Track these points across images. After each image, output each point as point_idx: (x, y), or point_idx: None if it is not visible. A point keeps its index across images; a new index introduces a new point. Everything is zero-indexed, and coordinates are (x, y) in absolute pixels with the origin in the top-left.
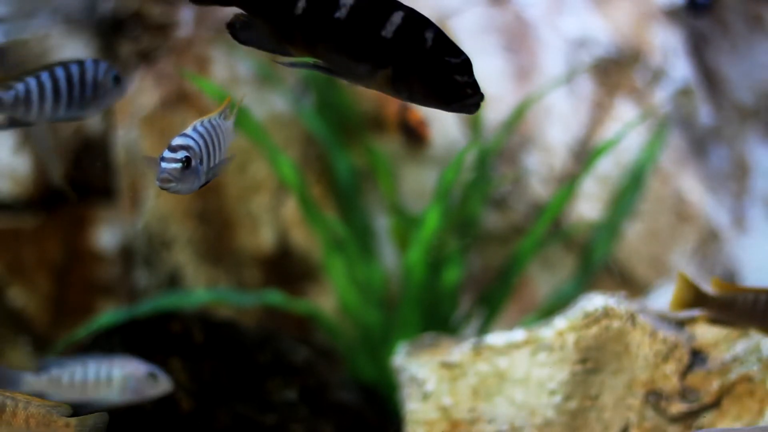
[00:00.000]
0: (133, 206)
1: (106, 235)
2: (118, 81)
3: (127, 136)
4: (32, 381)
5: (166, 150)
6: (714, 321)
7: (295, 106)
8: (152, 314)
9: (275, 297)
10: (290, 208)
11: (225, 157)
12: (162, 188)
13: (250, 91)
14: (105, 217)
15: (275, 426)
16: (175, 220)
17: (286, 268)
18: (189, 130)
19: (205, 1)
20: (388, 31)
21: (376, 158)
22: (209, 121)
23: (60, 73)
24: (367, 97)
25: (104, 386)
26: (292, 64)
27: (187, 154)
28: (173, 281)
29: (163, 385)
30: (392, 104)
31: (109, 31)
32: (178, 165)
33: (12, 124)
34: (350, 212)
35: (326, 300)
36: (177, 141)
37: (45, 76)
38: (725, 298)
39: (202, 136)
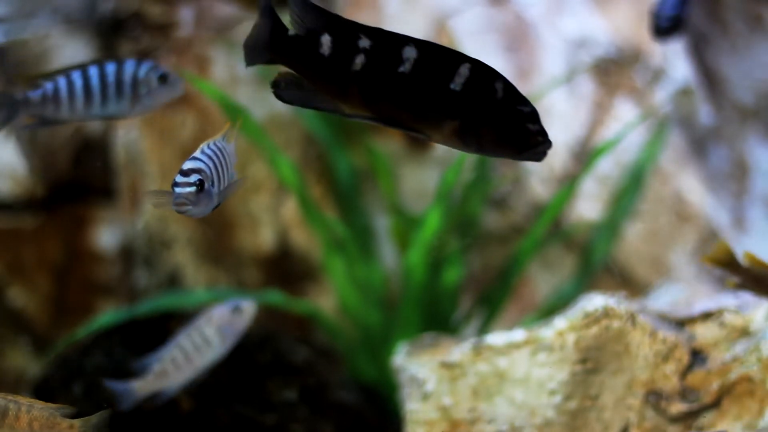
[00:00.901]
0: (133, 206)
1: (106, 235)
2: (165, 80)
3: (127, 136)
4: (143, 385)
5: (179, 175)
6: (740, 287)
7: None
8: (152, 314)
9: (275, 297)
10: (290, 208)
11: (236, 179)
12: (178, 212)
13: (250, 91)
14: (105, 217)
15: (275, 426)
16: (175, 220)
17: (286, 268)
18: (198, 154)
19: (253, 61)
20: (457, 83)
21: (376, 158)
22: (214, 144)
23: (93, 71)
24: None
25: (206, 350)
26: (351, 116)
27: (200, 177)
28: (173, 281)
29: (249, 309)
30: None
31: (109, 31)
32: (193, 189)
33: (43, 122)
34: (350, 212)
35: (326, 300)
36: (188, 165)
37: (76, 75)
38: (755, 271)
39: (210, 158)
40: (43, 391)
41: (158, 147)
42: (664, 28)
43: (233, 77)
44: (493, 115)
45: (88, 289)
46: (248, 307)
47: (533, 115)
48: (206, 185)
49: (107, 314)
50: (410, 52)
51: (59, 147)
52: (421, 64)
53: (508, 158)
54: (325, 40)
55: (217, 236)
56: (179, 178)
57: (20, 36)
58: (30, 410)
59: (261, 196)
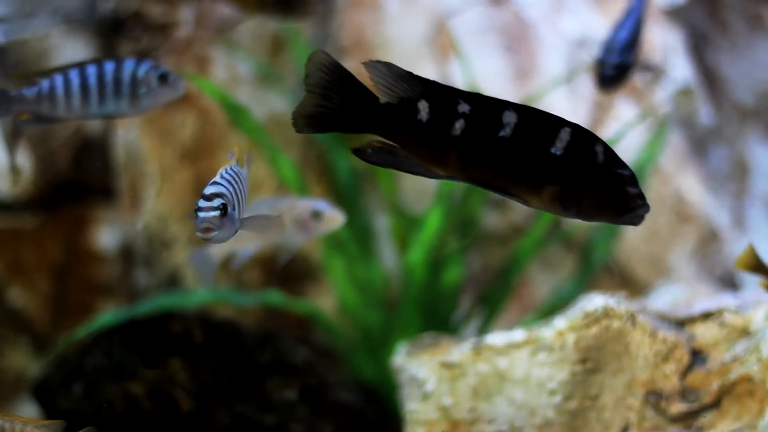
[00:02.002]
0: (133, 206)
1: (106, 235)
2: (165, 80)
3: (127, 136)
4: (218, 251)
5: (201, 200)
6: None
7: (296, 106)
8: (152, 314)
9: (275, 297)
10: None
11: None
12: (203, 238)
13: (250, 91)
14: (105, 217)
15: (275, 426)
16: (175, 220)
17: (286, 268)
18: (218, 179)
19: (334, 130)
20: (558, 147)
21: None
22: (231, 168)
23: (91, 70)
24: None
25: (279, 232)
26: (447, 179)
27: (223, 202)
28: (173, 281)
29: (330, 219)
30: None
31: (109, 31)
32: (217, 213)
33: (38, 120)
34: (350, 212)
35: (326, 300)
36: (210, 190)
37: (74, 73)
38: None
39: (230, 183)
40: (43, 391)
41: (158, 147)
42: (610, 76)
43: (233, 77)
44: (595, 180)
45: (88, 289)
46: (330, 217)
47: (633, 179)
48: (229, 209)
49: (107, 314)
50: (510, 117)
51: (59, 147)
52: (521, 128)
53: (606, 222)
54: (423, 106)
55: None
56: (203, 203)
57: (20, 36)
58: (24, 429)
59: (261, 196)
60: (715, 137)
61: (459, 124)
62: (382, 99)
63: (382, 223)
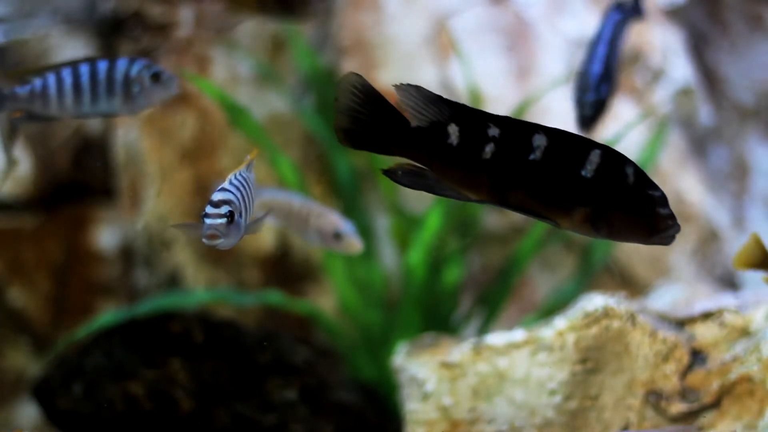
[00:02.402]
0: (133, 206)
1: (106, 235)
2: (157, 78)
3: (127, 136)
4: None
5: (209, 206)
6: None
7: (295, 106)
8: (152, 314)
9: (275, 297)
10: None
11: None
12: (209, 245)
13: (250, 91)
14: (105, 217)
15: (275, 426)
16: (175, 220)
17: (286, 268)
18: (226, 185)
19: (362, 148)
20: (588, 170)
21: (376, 158)
22: (240, 174)
23: (84, 68)
24: None
25: (302, 227)
26: (477, 202)
27: (230, 209)
28: (173, 281)
29: (350, 242)
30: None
31: (109, 31)
32: (224, 220)
33: (31, 118)
34: (350, 212)
35: (326, 300)
36: (218, 196)
37: (66, 72)
38: None
39: (238, 189)
40: (43, 391)
41: (158, 147)
42: (590, 116)
43: (233, 77)
44: (625, 201)
45: (88, 289)
46: (350, 242)
47: (663, 200)
48: (236, 216)
49: (107, 314)
50: (540, 140)
51: (59, 147)
52: (551, 151)
53: (637, 242)
54: (453, 130)
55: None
56: (210, 210)
57: (20, 36)
58: None
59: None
60: (715, 137)
61: (489, 148)
62: (413, 122)
63: (382, 223)
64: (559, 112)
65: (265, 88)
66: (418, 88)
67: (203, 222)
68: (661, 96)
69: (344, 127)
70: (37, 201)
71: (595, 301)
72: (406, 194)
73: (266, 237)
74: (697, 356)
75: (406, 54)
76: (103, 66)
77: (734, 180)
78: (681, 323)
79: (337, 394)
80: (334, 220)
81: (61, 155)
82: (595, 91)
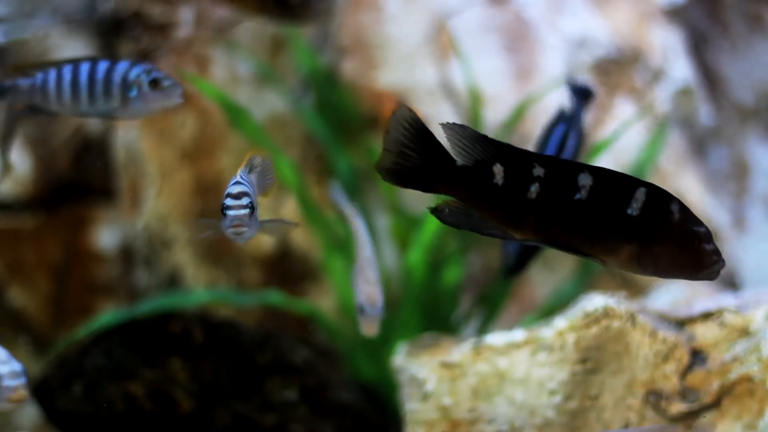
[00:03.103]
0: (133, 206)
1: (106, 235)
2: (156, 85)
3: (127, 136)
4: None
5: (229, 198)
6: None
7: (295, 106)
8: (152, 314)
9: (275, 297)
10: (290, 208)
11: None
12: (234, 235)
13: (250, 91)
14: (105, 217)
15: (275, 426)
16: (175, 220)
17: (286, 268)
18: (239, 178)
19: (407, 186)
20: (634, 208)
21: (376, 158)
22: (246, 171)
23: (84, 67)
24: (367, 95)
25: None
26: (522, 241)
27: (251, 200)
28: (173, 281)
29: (366, 322)
30: (389, 104)
31: (109, 31)
32: (247, 211)
33: (32, 110)
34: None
35: (326, 300)
36: (237, 189)
37: (67, 69)
38: None
39: (251, 184)
40: (43, 391)
41: (158, 147)
42: (513, 265)
43: (233, 77)
44: (671, 238)
45: (88, 289)
46: (367, 322)
47: (708, 235)
48: (255, 208)
49: (107, 314)
50: (585, 179)
51: (59, 147)
52: (597, 190)
53: (683, 279)
54: (498, 169)
55: (217, 236)
56: (231, 202)
57: (20, 36)
58: None
59: (261, 196)
60: (715, 137)
61: (534, 188)
62: (459, 161)
63: (382, 223)
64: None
65: (265, 88)
66: (463, 127)
67: (225, 215)
68: (661, 96)
69: (390, 164)
70: (37, 201)
71: (595, 301)
72: (406, 194)
73: (266, 237)
74: (697, 356)
75: (406, 54)
76: (103, 66)
77: (734, 180)
78: (681, 323)
79: (337, 394)
80: (367, 292)
81: (61, 155)
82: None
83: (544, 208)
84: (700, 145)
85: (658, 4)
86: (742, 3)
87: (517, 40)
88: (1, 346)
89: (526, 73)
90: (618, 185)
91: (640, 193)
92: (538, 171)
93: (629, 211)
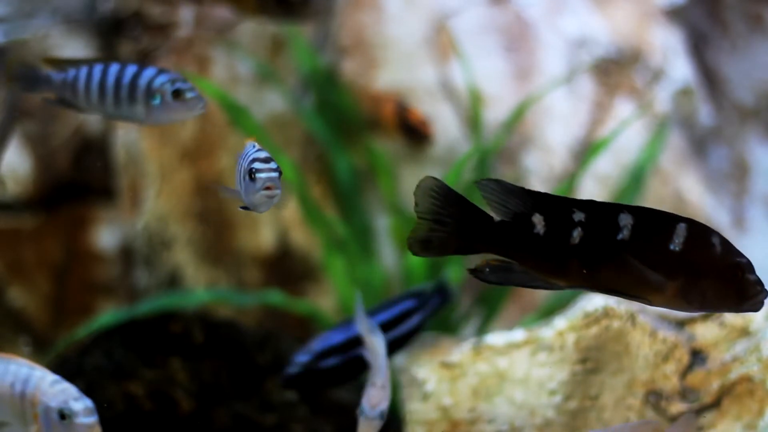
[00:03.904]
0: (133, 206)
1: (106, 235)
2: (179, 95)
3: (127, 136)
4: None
5: (257, 162)
6: None
7: (295, 106)
8: (152, 314)
9: (275, 297)
10: (290, 208)
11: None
12: (267, 197)
13: (250, 91)
14: (105, 217)
15: (275, 426)
16: (175, 220)
17: (286, 268)
18: (256, 146)
19: (447, 253)
20: (677, 243)
21: (376, 158)
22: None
23: (113, 69)
24: (366, 97)
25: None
26: (569, 287)
27: (276, 164)
28: (173, 281)
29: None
30: (388, 105)
31: (109, 31)
32: (277, 173)
33: (61, 103)
34: (350, 212)
35: (326, 300)
36: (262, 153)
37: (97, 69)
38: None
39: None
40: None
41: (158, 147)
42: (294, 374)
43: (233, 77)
44: (715, 271)
45: (88, 289)
46: (368, 422)
47: (750, 266)
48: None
49: (107, 314)
50: (626, 219)
51: (59, 147)
52: (638, 229)
53: (728, 311)
54: (538, 219)
55: (217, 236)
56: (261, 165)
57: (20, 36)
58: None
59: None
60: (715, 137)
61: (576, 233)
62: (496, 217)
63: (382, 223)
64: (559, 112)
65: (265, 88)
66: (498, 182)
67: (256, 178)
68: (661, 96)
69: (426, 234)
70: (37, 201)
71: (595, 301)
72: (406, 194)
73: (266, 237)
74: (697, 356)
75: (406, 54)
76: (130, 71)
77: (734, 180)
78: (681, 323)
79: (337, 394)
80: (371, 395)
81: (61, 155)
82: (314, 357)
83: (588, 252)
84: (700, 145)
85: (658, 4)
86: (742, 3)
87: (517, 40)
88: (71, 384)
89: (526, 73)
90: (659, 222)
91: (681, 229)
92: (579, 216)
93: (672, 247)
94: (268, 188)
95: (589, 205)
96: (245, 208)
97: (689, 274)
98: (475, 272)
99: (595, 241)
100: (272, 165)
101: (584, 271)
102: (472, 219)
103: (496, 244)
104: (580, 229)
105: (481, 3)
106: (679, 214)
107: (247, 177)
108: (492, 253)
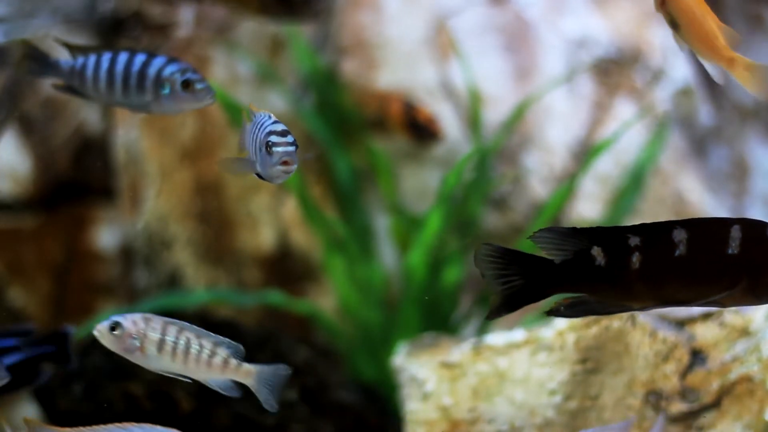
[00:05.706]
0: (133, 206)
1: (106, 235)
2: (188, 86)
3: (127, 136)
4: None
5: (274, 135)
6: None
7: (295, 106)
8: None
9: (275, 297)
10: (290, 208)
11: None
12: (284, 171)
13: (250, 91)
14: (105, 217)
15: (275, 426)
16: (175, 220)
17: (286, 268)
18: (272, 117)
19: (522, 305)
20: (734, 246)
21: (376, 158)
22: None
23: (122, 57)
24: (366, 97)
25: None
26: (644, 308)
27: (293, 137)
28: (173, 281)
29: None
30: (395, 103)
31: (109, 31)
32: (294, 147)
33: (69, 90)
34: (350, 212)
35: (326, 300)
36: (279, 126)
37: (106, 57)
38: None
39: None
40: (43, 391)
41: (158, 147)
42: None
43: (233, 77)
44: None
45: (88, 289)
46: None
47: None
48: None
49: (107, 314)
50: (680, 234)
51: (59, 147)
52: (694, 241)
53: None
54: (597, 252)
55: (217, 236)
56: (277, 139)
57: (20, 36)
58: None
59: (261, 196)
60: (715, 137)
61: (635, 257)
62: (556, 259)
63: (382, 223)
64: (559, 112)
65: (265, 88)
66: (550, 230)
67: (273, 152)
68: (661, 96)
69: (501, 297)
70: (37, 201)
71: None
72: (406, 194)
73: (266, 237)
74: (697, 356)
75: (406, 54)
76: (140, 59)
77: (734, 180)
78: (681, 323)
79: (337, 394)
80: None
81: (61, 155)
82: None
83: (650, 273)
84: (700, 145)
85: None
86: (742, 3)
87: (517, 40)
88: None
89: (526, 73)
90: (712, 230)
91: (736, 231)
92: (634, 240)
93: (730, 251)
94: (285, 162)
95: (642, 229)
96: (260, 176)
97: (752, 273)
98: (552, 312)
99: (655, 262)
100: (289, 138)
101: (651, 292)
102: (537, 268)
103: (564, 285)
104: (638, 253)
105: (481, 3)
106: (731, 218)
107: (263, 149)
108: (563, 293)
